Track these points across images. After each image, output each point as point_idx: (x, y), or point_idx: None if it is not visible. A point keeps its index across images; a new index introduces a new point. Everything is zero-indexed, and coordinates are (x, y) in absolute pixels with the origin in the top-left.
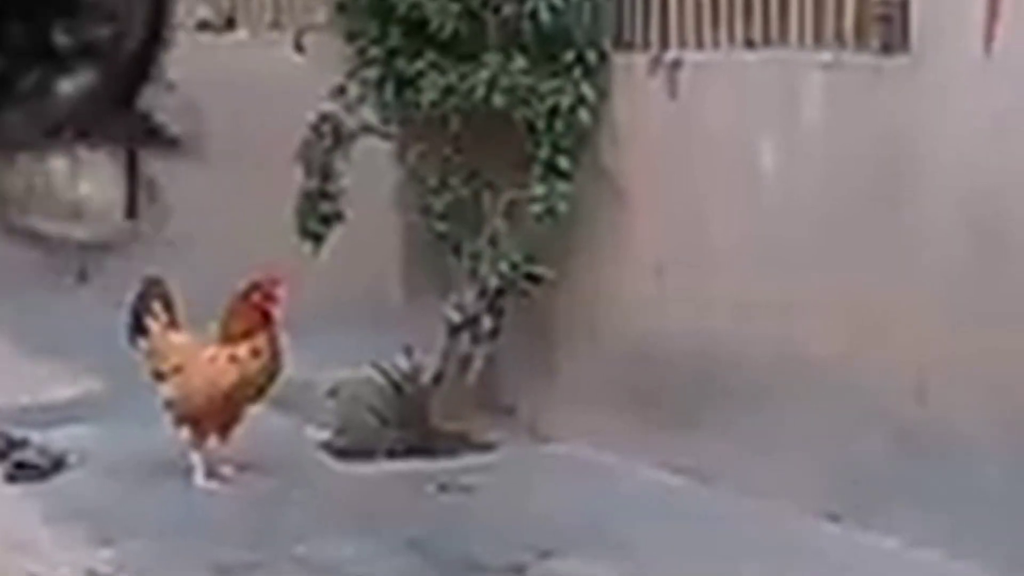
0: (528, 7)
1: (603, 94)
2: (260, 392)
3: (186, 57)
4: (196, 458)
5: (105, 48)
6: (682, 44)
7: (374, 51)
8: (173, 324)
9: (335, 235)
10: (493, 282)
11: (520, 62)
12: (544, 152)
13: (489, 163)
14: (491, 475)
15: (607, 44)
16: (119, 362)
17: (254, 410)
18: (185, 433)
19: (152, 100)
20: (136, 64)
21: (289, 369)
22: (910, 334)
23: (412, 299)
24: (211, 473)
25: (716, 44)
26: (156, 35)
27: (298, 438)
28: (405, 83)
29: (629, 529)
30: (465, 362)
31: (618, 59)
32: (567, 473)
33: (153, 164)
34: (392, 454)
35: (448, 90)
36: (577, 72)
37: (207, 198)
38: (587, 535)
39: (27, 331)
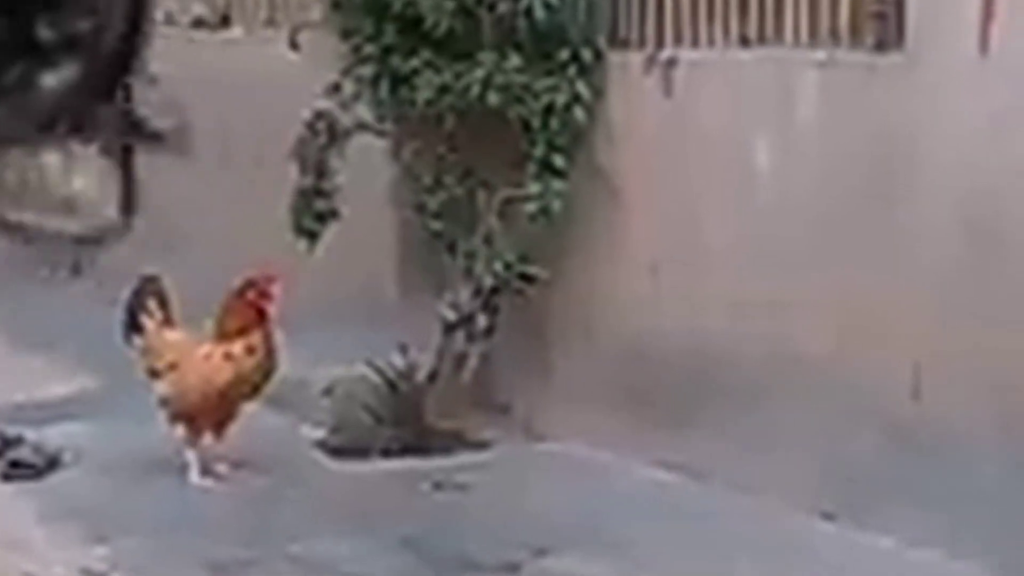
0: (523, 4)
1: (598, 92)
2: (255, 390)
3: (181, 54)
4: (191, 456)
5: (86, 42)
6: (677, 42)
7: (369, 49)
8: (168, 322)
9: (330, 233)
10: (488, 280)
11: (515, 60)
12: (539, 150)
13: (484, 161)
14: (486, 473)
15: (602, 42)
16: (114, 359)
17: (249, 408)
18: (180, 431)
19: (138, 95)
20: (117, 57)
21: (284, 367)
22: (905, 332)
23: (407, 297)
24: (206, 471)
25: (711, 42)
26: (136, 28)
27: (293, 436)
28: (400, 81)
29: (624, 527)
30: (460, 360)
31: (613, 57)
32: (562, 471)
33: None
34: (387, 452)
35: (443, 88)
36: (572, 70)
37: (202, 196)
38: (582, 533)
39: (22, 327)
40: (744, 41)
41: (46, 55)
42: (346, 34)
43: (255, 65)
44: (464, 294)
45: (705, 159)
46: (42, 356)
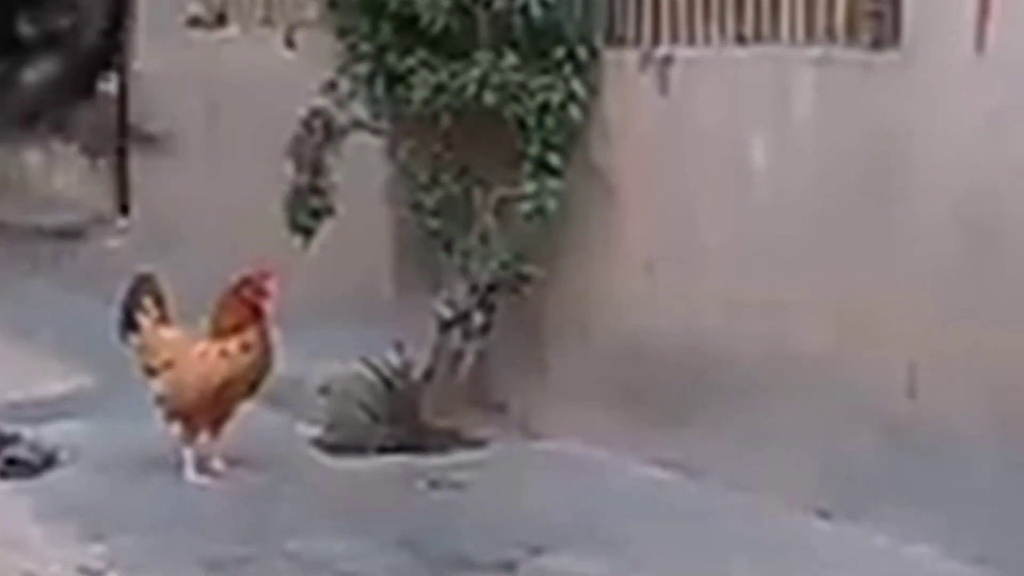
0: (519, 2)
1: (594, 91)
2: (252, 388)
3: (177, 53)
4: (187, 454)
5: (67, 38)
6: (673, 40)
7: (364, 47)
8: (164, 319)
9: (326, 231)
10: (484, 279)
11: (511, 59)
12: (534, 149)
13: (480, 160)
14: (482, 471)
15: (598, 40)
16: (111, 357)
17: (245, 406)
18: (176, 428)
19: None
20: (97, 53)
21: (280, 365)
22: (901, 330)
23: (403, 295)
24: (202, 469)
25: (707, 40)
26: (118, 24)
27: (289, 434)
28: (396, 80)
29: (620, 525)
30: (456, 358)
31: (609, 55)
32: (558, 469)
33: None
34: (383, 450)
35: (439, 88)
36: (568, 69)
37: (197, 193)
38: (578, 531)
39: (18, 324)
40: (740, 39)
41: (27, 51)
42: (342, 32)
43: (251, 63)
44: (460, 292)
45: (701, 157)
46: (39, 353)
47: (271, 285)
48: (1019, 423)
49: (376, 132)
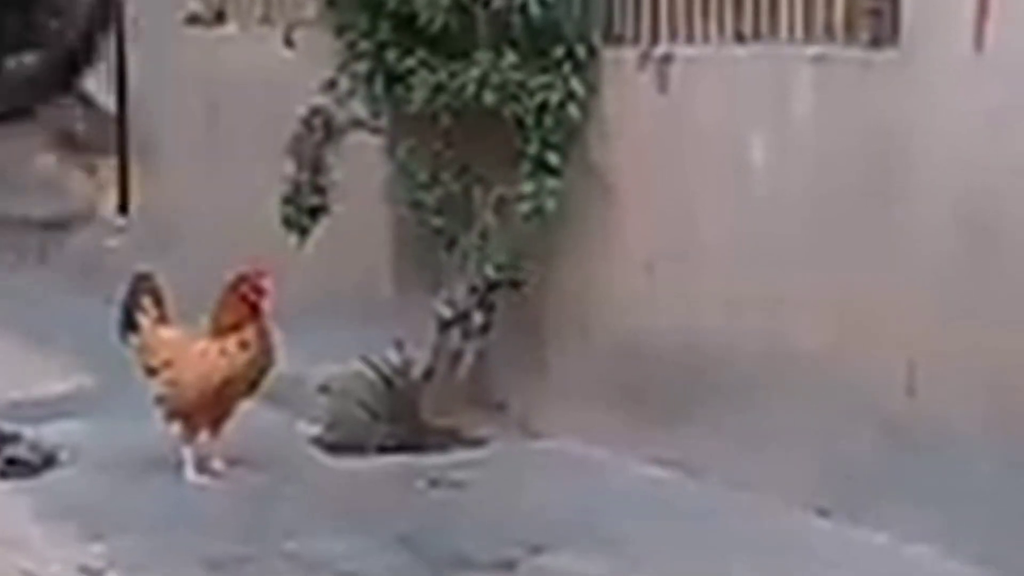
0: (517, 1)
1: (592, 89)
2: (252, 387)
3: (176, 51)
4: (187, 453)
5: (51, 38)
6: (672, 38)
7: (364, 45)
8: (163, 319)
9: (326, 230)
10: (484, 277)
11: (510, 58)
12: (533, 148)
13: (479, 158)
14: (482, 470)
15: (597, 38)
16: (111, 357)
17: (245, 405)
18: (176, 428)
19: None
20: (79, 52)
21: (280, 364)
22: (900, 329)
23: (403, 294)
24: (202, 468)
25: (706, 38)
26: (102, 23)
27: (289, 433)
28: (395, 79)
29: (620, 524)
30: (456, 357)
31: (607, 53)
32: (558, 468)
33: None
34: (383, 449)
35: (438, 88)
36: (567, 67)
37: (196, 192)
38: (578, 530)
39: (17, 324)
40: (739, 37)
41: (11, 47)
42: (341, 31)
43: (250, 62)
44: (460, 291)
45: (700, 156)
46: (38, 353)
47: (267, 282)
48: (1019, 423)
49: (375, 131)
